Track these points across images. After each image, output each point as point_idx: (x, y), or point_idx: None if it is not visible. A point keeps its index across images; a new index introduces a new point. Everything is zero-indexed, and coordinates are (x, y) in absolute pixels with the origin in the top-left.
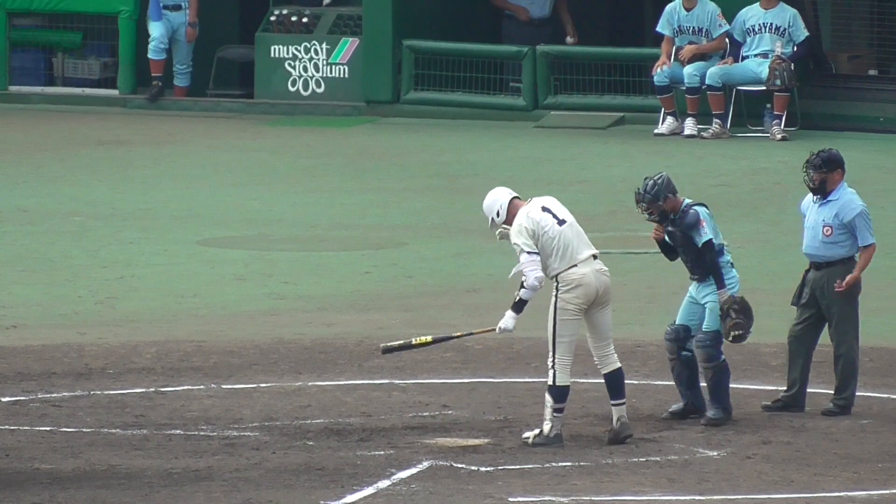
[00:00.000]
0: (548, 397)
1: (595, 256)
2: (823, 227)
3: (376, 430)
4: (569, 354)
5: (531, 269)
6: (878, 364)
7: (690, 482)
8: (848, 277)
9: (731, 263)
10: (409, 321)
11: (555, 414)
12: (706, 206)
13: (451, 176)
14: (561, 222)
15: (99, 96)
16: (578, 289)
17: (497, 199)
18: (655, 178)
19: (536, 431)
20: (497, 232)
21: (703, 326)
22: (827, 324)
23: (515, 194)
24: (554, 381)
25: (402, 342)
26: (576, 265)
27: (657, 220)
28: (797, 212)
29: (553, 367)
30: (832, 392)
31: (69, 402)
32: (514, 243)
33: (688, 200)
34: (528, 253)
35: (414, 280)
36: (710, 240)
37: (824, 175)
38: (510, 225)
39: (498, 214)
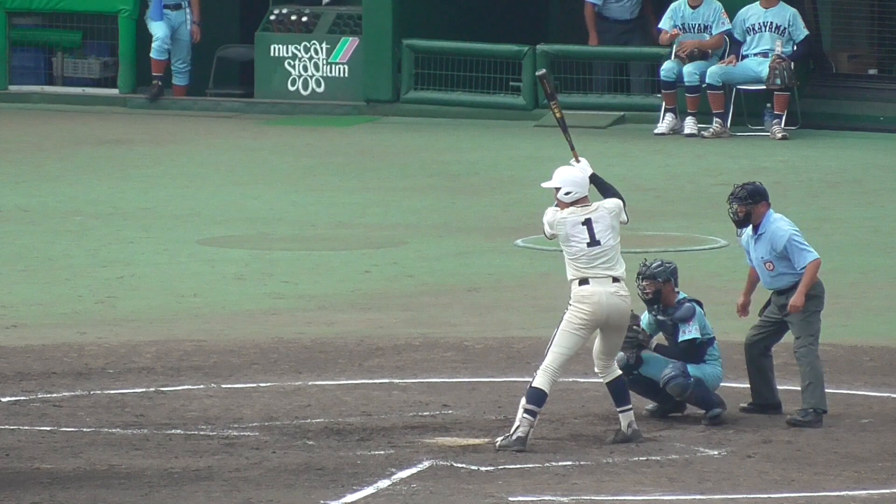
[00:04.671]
0: (523, 398)
1: (616, 279)
2: (765, 263)
3: (376, 430)
4: (557, 365)
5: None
6: (878, 363)
7: (691, 481)
8: (793, 300)
9: (718, 357)
10: (409, 320)
11: (524, 415)
12: (701, 305)
13: (452, 175)
14: (593, 244)
15: (99, 96)
16: (585, 305)
17: (575, 182)
18: (665, 262)
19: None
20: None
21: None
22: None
23: (585, 194)
24: (532, 381)
25: (552, 94)
26: (587, 282)
27: (651, 301)
28: (741, 244)
29: (538, 369)
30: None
31: (69, 402)
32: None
33: (683, 294)
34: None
35: (414, 279)
36: (692, 340)
37: (749, 207)
38: (555, 200)
39: (560, 191)
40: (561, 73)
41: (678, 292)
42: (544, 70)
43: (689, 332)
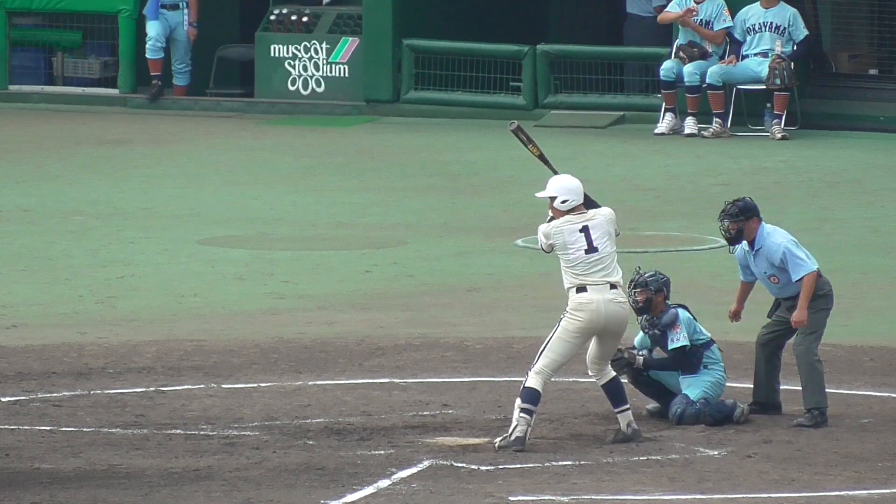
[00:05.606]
0: (518, 398)
1: (614, 286)
2: (769, 277)
3: (376, 430)
4: (549, 370)
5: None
6: (878, 363)
7: (691, 481)
8: (796, 316)
9: (718, 360)
10: (409, 320)
11: (521, 414)
12: (687, 309)
13: (451, 175)
14: (590, 251)
15: (99, 95)
16: (583, 312)
17: (571, 190)
18: (659, 273)
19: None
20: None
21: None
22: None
23: (581, 202)
24: (525, 382)
25: (528, 139)
26: (585, 289)
27: (641, 309)
28: (735, 257)
29: (529, 371)
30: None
31: (69, 402)
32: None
33: (671, 304)
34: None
35: (414, 279)
36: (682, 347)
37: (740, 224)
38: (551, 209)
39: (556, 200)
40: (561, 73)
41: (668, 304)
42: (516, 123)
43: (678, 340)
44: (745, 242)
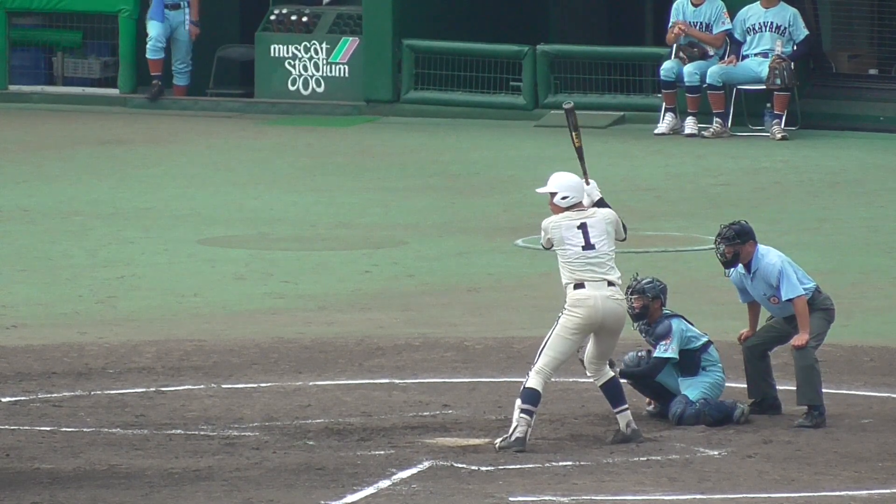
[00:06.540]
0: (518, 399)
1: (611, 283)
2: (769, 298)
3: (377, 430)
4: (550, 368)
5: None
6: (878, 363)
7: (691, 481)
8: (796, 340)
9: (717, 361)
10: (409, 320)
11: (521, 415)
12: (684, 319)
13: (451, 175)
14: (587, 248)
15: (99, 95)
16: (581, 308)
17: (571, 187)
18: (656, 280)
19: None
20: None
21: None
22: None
23: (581, 199)
24: (525, 382)
25: (576, 126)
26: (583, 285)
27: (637, 315)
28: (731, 282)
29: (530, 370)
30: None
31: (69, 402)
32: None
33: (667, 311)
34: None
35: (414, 279)
36: (665, 360)
37: (737, 247)
38: (551, 205)
39: (556, 196)
40: (561, 73)
41: (665, 311)
42: (572, 104)
43: (664, 352)
44: (740, 266)
